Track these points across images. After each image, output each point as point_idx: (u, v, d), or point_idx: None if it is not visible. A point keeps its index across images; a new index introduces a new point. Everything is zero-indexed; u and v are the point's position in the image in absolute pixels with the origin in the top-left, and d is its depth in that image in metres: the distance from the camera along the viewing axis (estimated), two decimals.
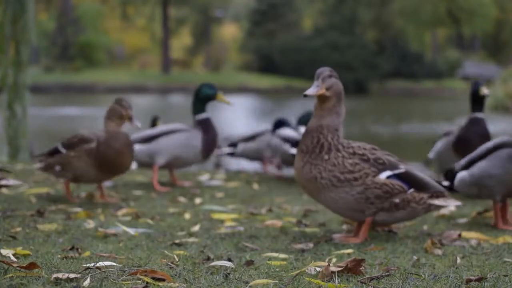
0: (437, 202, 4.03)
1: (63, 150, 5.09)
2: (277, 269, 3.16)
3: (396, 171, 3.95)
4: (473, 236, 4.02)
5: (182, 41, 60.79)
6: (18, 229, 4.06)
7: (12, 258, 3.24)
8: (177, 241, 3.79)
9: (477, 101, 5.45)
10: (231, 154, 7.54)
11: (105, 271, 2.99)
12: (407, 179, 3.97)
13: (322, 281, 2.92)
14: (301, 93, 3.97)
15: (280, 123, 7.06)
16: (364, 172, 3.88)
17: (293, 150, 6.30)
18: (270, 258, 3.41)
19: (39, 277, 2.87)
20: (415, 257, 3.37)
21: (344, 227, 4.41)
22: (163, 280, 2.87)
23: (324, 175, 3.87)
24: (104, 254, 3.39)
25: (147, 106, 24.86)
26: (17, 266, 2.97)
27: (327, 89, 3.87)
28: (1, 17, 9.28)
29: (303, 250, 3.67)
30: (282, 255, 3.48)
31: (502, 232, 4.22)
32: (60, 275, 2.84)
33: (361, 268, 3.07)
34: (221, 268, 3.14)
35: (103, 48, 51.70)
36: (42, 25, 46.65)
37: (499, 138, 4.43)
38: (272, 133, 7.09)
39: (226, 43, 61.16)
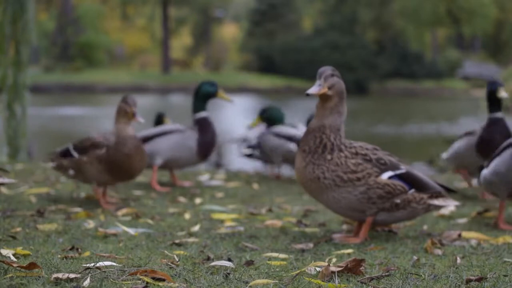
0: (436, 202, 4.05)
1: (76, 154, 5.08)
2: (277, 269, 3.16)
3: (398, 172, 3.96)
4: (473, 236, 4.02)
5: (182, 41, 60.84)
6: (18, 229, 4.05)
7: (12, 258, 3.23)
8: (177, 241, 3.78)
9: (495, 101, 5.32)
10: (250, 156, 7.49)
11: (105, 271, 2.99)
12: (408, 179, 3.98)
13: (322, 281, 2.92)
14: (301, 93, 3.98)
15: (270, 121, 7.01)
16: (366, 172, 3.89)
17: None
18: (270, 258, 3.41)
19: (39, 277, 2.87)
20: (415, 257, 3.37)
21: (344, 227, 4.41)
22: (163, 280, 2.87)
23: (327, 175, 3.87)
24: (104, 254, 3.39)
25: (147, 106, 24.84)
26: (17, 266, 2.97)
27: (329, 88, 3.88)
28: (1, 17, 9.28)
29: (303, 250, 3.67)
30: (282, 255, 3.48)
31: (502, 232, 4.23)
32: (60, 275, 2.84)
33: (361, 268, 3.07)
34: (221, 268, 3.14)
35: (103, 48, 51.74)
36: (42, 25, 46.67)
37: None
38: (267, 131, 6.97)
39: (226, 43, 61.20)
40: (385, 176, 3.92)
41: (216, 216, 4.64)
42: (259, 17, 55.59)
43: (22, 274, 2.90)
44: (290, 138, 6.66)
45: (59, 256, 3.33)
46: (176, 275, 3.00)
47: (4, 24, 9.26)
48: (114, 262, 3.19)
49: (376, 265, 3.26)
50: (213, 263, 3.19)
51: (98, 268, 3.02)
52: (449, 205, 4.09)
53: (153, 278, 2.88)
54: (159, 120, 7.46)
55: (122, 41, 57.99)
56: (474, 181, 5.93)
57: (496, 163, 4.33)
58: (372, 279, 2.97)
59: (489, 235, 4.10)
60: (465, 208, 5.14)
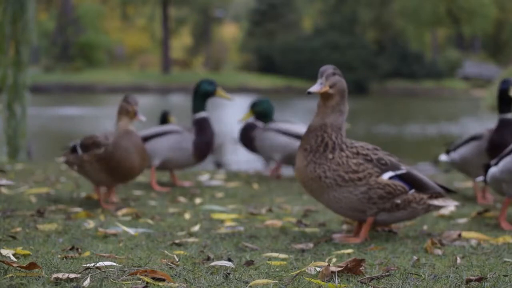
0: (436, 202, 4.05)
1: (80, 151, 5.08)
2: (277, 269, 3.16)
3: (398, 172, 3.97)
4: (473, 236, 4.02)
5: (182, 41, 60.85)
6: (18, 229, 4.05)
7: (12, 258, 3.23)
8: (177, 241, 3.78)
9: (506, 101, 5.07)
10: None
11: (105, 271, 2.99)
12: (408, 179, 3.99)
13: (322, 281, 2.92)
14: (301, 93, 3.99)
15: (261, 114, 6.91)
16: (368, 172, 3.89)
17: None
18: (270, 258, 3.41)
19: (39, 277, 2.87)
20: (415, 257, 3.37)
21: (344, 227, 4.41)
22: (163, 280, 2.87)
23: (328, 175, 3.87)
24: (104, 254, 3.39)
25: (147, 106, 24.84)
26: (17, 266, 2.97)
27: (331, 86, 3.88)
28: (1, 17, 9.28)
29: (303, 250, 3.67)
30: (282, 255, 3.48)
31: (502, 232, 4.23)
32: (60, 275, 2.84)
33: (361, 268, 3.07)
34: (221, 268, 3.14)
35: (103, 48, 51.75)
36: (42, 25, 46.67)
37: None
38: (264, 126, 6.86)
39: (226, 43, 61.21)
40: (386, 176, 3.93)
41: (216, 216, 4.64)
42: (259, 17, 55.60)
43: (22, 274, 2.90)
44: (297, 136, 6.59)
45: (59, 256, 3.33)
46: (176, 275, 3.00)
47: (4, 24, 9.26)
48: (114, 262, 3.19)
49: (376, 265, 3.26)
50: (213, 263, 3.19)
51: (98, 268, 3.02)
52: (449, 206, 4.10)
53: (153, 278, 2.88)
54: (164, 118, 7.44)
55: (122, 41, 58.01)
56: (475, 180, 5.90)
57: (507, 161, 4.31)
58: (372, 279, 2.97)
59: (489, 235, 4.10)
60: (465, 208, 5.14)
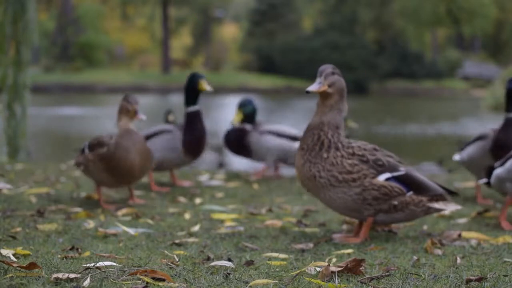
0: (436, 205, 4.02)
1: (87, 151, 5.07)
2: (277, 269, 3.16)
3: (395, 174, 3.95)
4: (473, 236, 4.02)
5: (182, 41, 60.84)
6: (18, 229, 4.05)
7: (12, 258, 3.24)
8: (177, 241, 3.78)
9: None
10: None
11: (105, 271, 2.99)
12: (407, 181, 3.96)
13: (322, 281, 2.92)
14: (301, 93, 4.00)
15: (249, 116, 6.71)
16: (362, 173, 3.88)
17: None
18: (270, 258, 3.41)
19: (39, 277, 2.87)
20: (415, 257, 3.37)
21: (344, 227, 4.41)
22: (163, 280, 2.87)
23: (322, 174, 3.87)
24: (104, 254, 3.39)
25: (147, 106, 24.85)
26: (17, 266, 2.97)
27: (330, 86, 3.88)
28: (1, 17, 9.28)
29: (303, 250, 3.67)
30: (282, 255, 3.48)
31: (502, 232, 4.23)
32: (60, 275, 2.84)
33: (361, 268, 3.07)
34: (221, 268, 3.14)
35: (103, 48, 51.74)
36: (42, 25, 46.64)
37: None
38: (255, 130, 6.73)
39: (226, 43, 61.19)
40: (382, 177, 3.91)
41: (216, 216, 4.64)
42: (259, 17, 55.58)
43: (22, 274, 2.90)
44: (294, 138, 6.57)
45: (59, 256, 3.33)
46: (176, 275, 3.00)
47: (5, 24, 9.26)
48: (114, 262, 3.19)
49: (376, 265, 3.26)
50: (213, 263, 3.19)
51: (98, 268, 3.02)
52: (449, 209, 4.06)
53: (153, 278, 2.88)
54: (167, 116, 7.41)
55: (122, 41, 58.00)
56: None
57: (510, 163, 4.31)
58: (372, 279, 2.97)
59: (489, 235, 4.10)
60: (465, 208, 5.14)
